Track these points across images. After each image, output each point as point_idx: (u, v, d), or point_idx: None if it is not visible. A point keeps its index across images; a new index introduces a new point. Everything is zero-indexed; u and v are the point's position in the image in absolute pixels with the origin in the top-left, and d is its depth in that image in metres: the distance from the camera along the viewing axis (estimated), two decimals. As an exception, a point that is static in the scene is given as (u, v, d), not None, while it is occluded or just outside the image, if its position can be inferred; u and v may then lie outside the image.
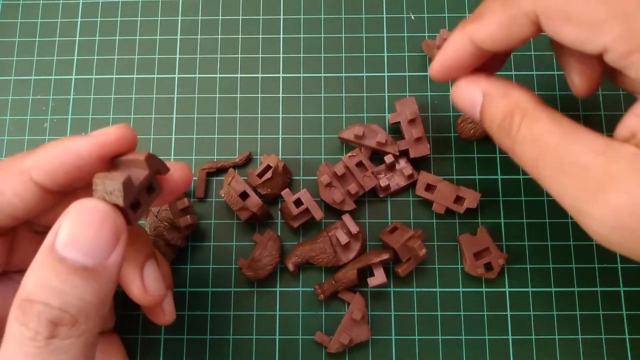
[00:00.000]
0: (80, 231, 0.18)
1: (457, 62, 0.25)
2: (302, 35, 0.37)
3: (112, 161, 0.22)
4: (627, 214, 0.19)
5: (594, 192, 0.20)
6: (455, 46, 0.25)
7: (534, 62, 0.36)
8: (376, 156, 0.34)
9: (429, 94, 0.35)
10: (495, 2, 0.23)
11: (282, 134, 0.35)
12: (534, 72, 0.36)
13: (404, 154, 0.34)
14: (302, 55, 0.36)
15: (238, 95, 0.36)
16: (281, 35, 0.37)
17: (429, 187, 0.33)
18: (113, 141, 0.21)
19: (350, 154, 0.33)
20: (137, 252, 0.24)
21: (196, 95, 0.36)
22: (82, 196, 0.23)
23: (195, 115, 0.36)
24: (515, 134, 0.22)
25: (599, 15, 0.20)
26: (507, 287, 0.33)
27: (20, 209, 0.21)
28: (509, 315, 0.32)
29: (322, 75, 0.36)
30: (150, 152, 0.22)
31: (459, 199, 0.32)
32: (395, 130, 0.34)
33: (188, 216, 0.31)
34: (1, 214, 0.21)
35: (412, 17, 0.37)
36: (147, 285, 0.24)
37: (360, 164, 0.33)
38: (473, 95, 0.24)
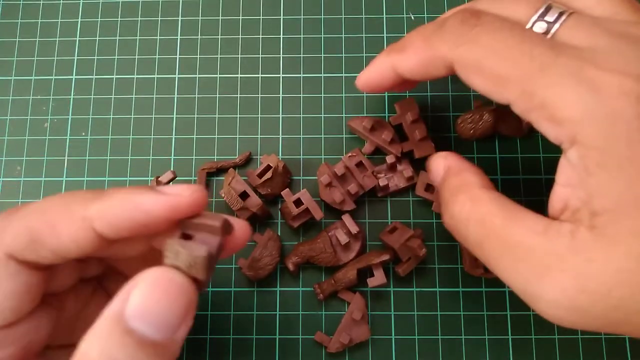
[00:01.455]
0: (154, 303, 0.17)
1: (380, 82, 0.28)
2: (302, 36, 0.37)
3: (180, 221, 0.21)
4: (577, 293, 0.19)
5: (541, 274, 0.20)
6: (380, 70, 0.27)
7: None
8: (378, 156, 0.34)
9: (428, 94, 0.35)
10: (417, 40, 0.25)
11: (282, 134, 0.35)
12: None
13: (408, 155, 0.34)
14: (302, 55, 0.36)
15: (238, 96, 0.36)
16: (281, 36, 0.37)
17: (429, 187, 0.33)
18: (187, 205, 0.20)
19: (350, 154, 0.33)
20: None
21: (196, 96, 0.36)
22: (137, 245, 0.22)
23: (196, 116, 0.36)
24: (460, 213, 0.23)
25: (505, 73, 0.21)
26: (507, 287, 0.33)
27: (74, 252, 0.20)
28: (508, 315, 0.32)
29: (322, 75, 0.36)
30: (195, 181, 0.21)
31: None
32: (398, 132, 0.34)
33: None
34: (53, 254, 0.20)
35: (412, 18, 0.37)
36: None
37: (360, 164, 0.33)
38: (439, 168, 0.27)
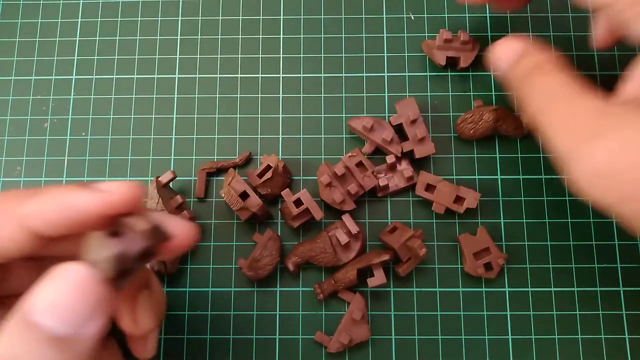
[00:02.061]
0: (59, 297, 0.17)
1: None
2: (302, 36, 0.37)
3: (114, 219, 0.21)
4: (619, 155, 0.20)
5: (588, 139, 0.21)
6: None
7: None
8: (378, 156, 0.34)
9: (428, 94, 0.35)
10: None
11: (282, 134, 0.35)
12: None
13: (408, 154, 0.34)
14: (302, 55, 0.36)
15: (238, 96, 0.36)
16: (281, 36, 0.37)
17: (429, 187, 0.33)
18: (120, 203, 0.20)
19: (350, 154, 0.33)
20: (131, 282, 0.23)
21: (196, 96, 0.36)
22: (77, 241, 0.21)
23: (196, 116, 0.36)
24: (534, 82, 0.25)
25: None
26: (506, 287, 0.33)
27: (13, 252, 0.20)
28: (508, 315, 0.32)
29: (322, 75, 0.36)
30: (156, 217, 0.21)
31: (458, 199, 0.32)
32: (398, 132, 0.34)
33: (185, 211, 0.32)
34: None
35: (412, 18, 0.37)
36: (138, 317, 0.23)
37: (360, 164, 0.33)
38: (516, 47, 0.27)
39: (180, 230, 0.21)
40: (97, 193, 0.20)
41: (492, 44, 0.28)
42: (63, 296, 0.17)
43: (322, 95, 0.36)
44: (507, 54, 0.28)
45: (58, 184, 0.22)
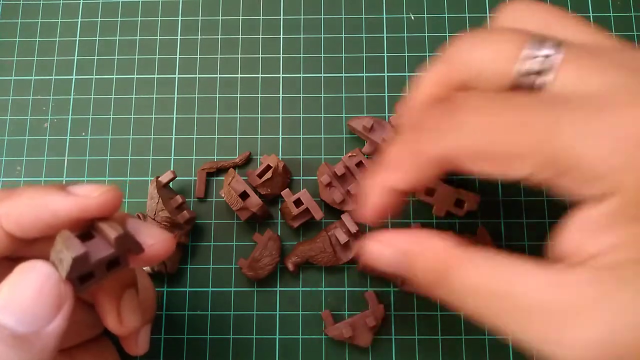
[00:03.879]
0: (17, 294, 0.17)
1: (385, 207, 0.23)
2: (302, 36, 0.37)
3: (89, 222, 0.20)
4: (608, 345, 0.17)
5: (562, 329, 0.17)
6: (377, 196, 0.23)
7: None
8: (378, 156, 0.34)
9: (428, 94, 0.35)
10: (397, 152, 0.22)
11: (282, 134, 0.35)
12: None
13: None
14: (302, 55, 0.36)
15: (238, 96, 0.36)
16: (281, 36, 0.37)
17: (430, 191, 0.33)
18: (95, 208, 0.20)
19: (350, 153, 0.33)
20: (115, 281, 0.23)
21: (196, 96, 0.36)
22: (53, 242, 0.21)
23: (196, 116, 0.36)
24: (452, 287, 0.20)
25: (515, 149, 0.18)
26: (507, 287, 0.33)
27: None
28: (508, 315, 0.32)
29: (322, 75, 0.36)
30: (130, 218, 0.21)
31: (459, 202, 0.32)
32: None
33: (185, 211, 0.32)
34: None
35: (412, 18, 0.37)
36: (123, 317, 0.23)
37: (360, 164, 0.33)
38: (393, 257, 0.22)
39: (155, 239, 0.21)
40: (72, 197, 0.20)
41: (363, 241, 0.23)
42: (22, 294, 0.17)
43: (322, 95, 0.36)
44: (390, 265, 0.22)
45: (35, 185, 0.22)
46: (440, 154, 0.20)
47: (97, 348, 0.28)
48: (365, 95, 0.36)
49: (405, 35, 0.37)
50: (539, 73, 0.19)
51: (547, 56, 0.19)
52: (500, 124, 0.19)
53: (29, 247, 0.21)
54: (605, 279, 0.17)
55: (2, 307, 0.17)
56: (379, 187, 0.23)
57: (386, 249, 0.22)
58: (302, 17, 0.37)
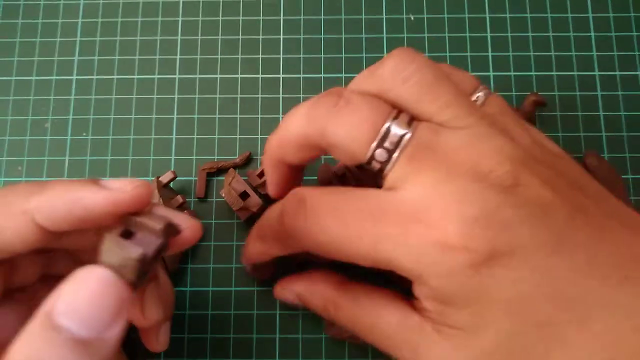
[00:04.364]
0: (82, 301, 0.17)
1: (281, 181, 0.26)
2: (302, 36, 0.37)
3: (123, 217, 0.20)
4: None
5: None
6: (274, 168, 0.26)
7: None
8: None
9: (428, 94, 0.36)
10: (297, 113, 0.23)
11: (282, 134, 0.35)
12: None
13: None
14: (302, 56, 0.37)
15: (238, 96, 0.36)
16: (281, 36, 0.37)
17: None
18: (128, 202, 0.20)
19: (350, 154, 0.33)
20: None
21: (197, 96, 0.36)
22: (85, 235, 0.22)
23: (196, 116, 0.36)
24: (342, 323, 0.24)
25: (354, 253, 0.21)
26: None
27: (19, 247, 0.20)
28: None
29: (322, 75, 0.36)
30: (160, 202, 0.21)
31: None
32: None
33: (186, 211, 0.32)
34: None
35: (412, 18, 0.37)
36: (146, 309, 0.23)
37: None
38: (294, 298, 0.27)
39: (186, 225, 0.22)
40: (107, 191, 0.20)
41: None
42: (86, 300, 0.17)
43: (322, 95, 0.36)
44: (289, 302, 0.28)
45: (68, 179, 0.22)
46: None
47: None
48: (365, 95, 0.36)
49: (405, 35, 0.37)
50: (383, 162, 0.21)
51: (390, 149, 0.20)
52: (345, 236, 0.21)
53: (57, 240, 0.21)
54: (429, 332, 0.21)
55: (65, 312, 0.17)
56: (270, 160, 0.25)
57: (287, 293, 0.27)
58: (302, 17, 0.37)
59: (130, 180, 0.21)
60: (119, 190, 0.20)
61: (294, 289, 0.27)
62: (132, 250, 0.18)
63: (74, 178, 0.35)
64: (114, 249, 0.19)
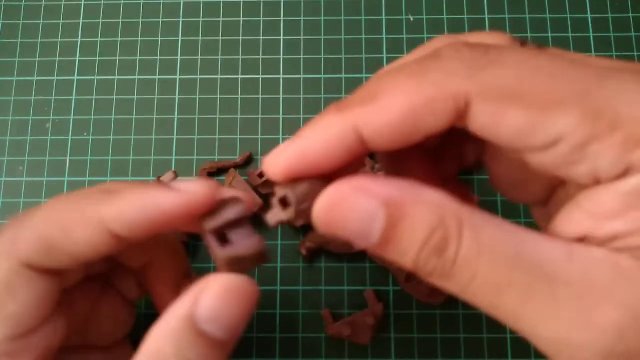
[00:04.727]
0: (224, 309, 0.18)
1: (322, 160, 0.17)
2: (302, 37, 0.37)
3: (201, 217, 0.20)
4: (631, 331, 0.15)
5: (580, 313, 0.15)
6: (329, 136, 0.17)
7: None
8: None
9: (428, 95, 0.36)
10: (400, 77, 0.16)
11: (282, 135, 0.35)
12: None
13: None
14: (302, 56, 0.37)
15: (239, 96, 0.36)
16: (281, 37, 0.37)
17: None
18: (204, 203, 0.20)
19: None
20: (176, 270, 0.23)
21: (197, 96, 0.36)
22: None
23: (197, 116, 0.36)
24: (455, 254, 0.15)
25: (557, 94, 0.15)
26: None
27: (90, 255, 0.20)
28: (507, 314, 0.32)
29: (322, 76, 0.36)
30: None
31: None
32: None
33: None
34: (69, 259, 0.20)
35: (412, 19, 0.37)
36: None
37: (360, 164, 0.33)
38: (366, 210, 0.16)
39: (245, 199, 0.21)
40: (181, 194, 0.20)
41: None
42: (228, 308, 0.18)
43: (322, 96, 0.36)
44: (355, 223, 0.16)
45: (134, 182, 0.22)
46: (466, 90, 0.16)
47: (119, 352, 0.27)
48: (365, 96, 0.36)
49: (405, 36, 0.37)
50: None
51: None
52: (545, 65, 0.16)
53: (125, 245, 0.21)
54: (623, 260, 0.15)
55: (209, 320, 0.18)
56: (333, 124, 0.17)
57: (362, 199, 0.16)
58: (302, 18, 0.37)
59: (199, 181, 0.20)
60: (192, 193, 0.20)
61: (380, 193, 0.16)
62: (248, 247, 0.19)
63: (75, 178, 0.35)
64: (231, 257, 0.19)
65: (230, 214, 0.20)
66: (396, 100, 0.16)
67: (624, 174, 0.15)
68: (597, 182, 0.16)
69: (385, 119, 0.16)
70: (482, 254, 0.15)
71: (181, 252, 0.25)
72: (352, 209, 0.16)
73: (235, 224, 0.20)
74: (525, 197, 0.22)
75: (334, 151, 0.17)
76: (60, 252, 0.20)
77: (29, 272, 0.20)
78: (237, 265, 0.19)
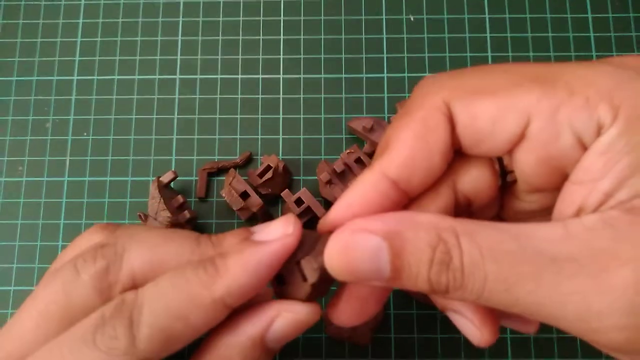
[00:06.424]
0: (290, 332, 0.21)
1: (364, 207, 0.19)
2: (302, 37, 0.37)
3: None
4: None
5: (592, 281, 0.15)
6: (364, 185, 0.19)
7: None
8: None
9: (428, 94, 0.36)
10: (399, 122, 0.19)
11: (282, 135, 0.35)
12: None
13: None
14: (302, 56, 0.37)
15: (239, 96, 0.36)
16: (281, 37, 0.37)
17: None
18: (295, 243, 0.20)
19: (348, 150, 0.33)
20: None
21: (197, 96, 0.36)
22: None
23: (197, 116, 0.36)
24: (461, 263, 0.16)
25: (516, 82, 0.18)
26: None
27: (205, 329, 0.20)
28: (507, 314, 0.32)
29: (322, 76, 0.36)
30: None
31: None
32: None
33: (186, 211, 0.32)
34: (188, 340, 0.20)
35: (412, 19, 0.37)
36: None
37: (359, 160, 0.33)
38: (371, 247, 0.17)
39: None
40: (277, 244, 0.20)
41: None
42: (293, 333, 0.21)
43: (322, 95, 0.36)
44: (367, 260, 0.17)
45: (227, 242, 0.21)
46: (443, 97, 0.19)
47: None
48: (364, 96, 0.36)
49: (405, 36, 0.37)
50: None
51: None
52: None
53: None
54: (616, 218, 0.16)
55: (276, 340, 0.21)
56: (367, 180, 0.19)
57: (365, 236, 0.17)
58: (302, 18, 0.37)
59: (282, 223, 0.20)
60: (285, 237, 0.20)
61: (378, 229, 0.17)
62: (312, 274, 0.20)
63: (75, 178, 0.35)
64: (302, 287, 0.20)
65: (321, 246, 0.20)
66: (400, 144, 0.19)
67: (599, 133, 0.17)
68: (585, 150, 0.17)
69: (398, 160, 0.19)
70: (485, 256, 0.16)
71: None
72: (357, 249, 0.17)
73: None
74: None
75: (372, 197, 0.19)
76: (178, 340, 0.20)
77: None
78: (316, 291, 0.20)
